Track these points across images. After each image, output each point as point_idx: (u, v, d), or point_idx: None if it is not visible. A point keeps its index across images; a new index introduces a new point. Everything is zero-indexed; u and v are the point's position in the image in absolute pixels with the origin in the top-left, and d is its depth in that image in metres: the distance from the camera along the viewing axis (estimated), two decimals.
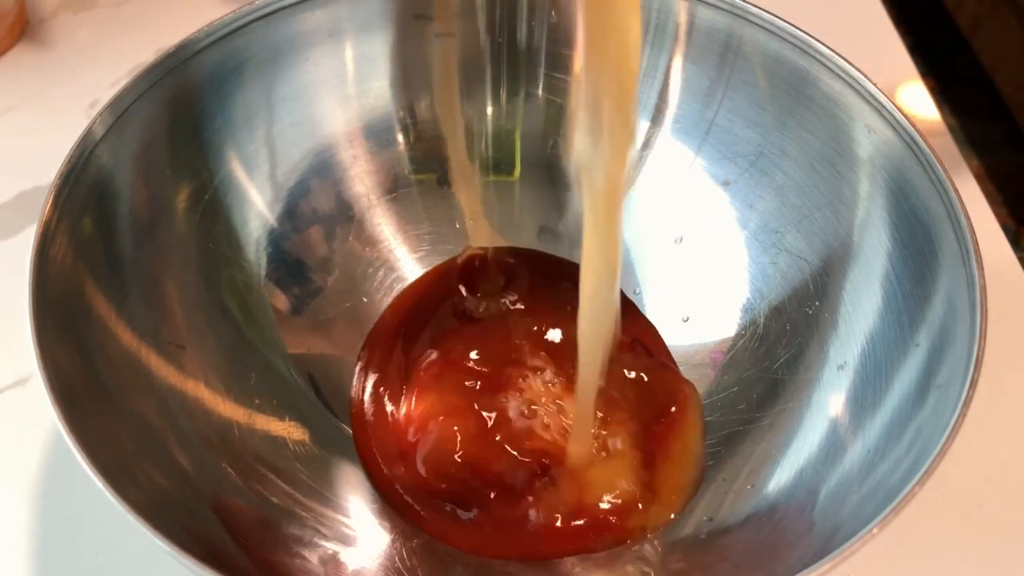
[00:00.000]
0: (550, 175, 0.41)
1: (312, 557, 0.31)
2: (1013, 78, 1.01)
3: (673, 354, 0.38)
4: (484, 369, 0.37)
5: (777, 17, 0.34)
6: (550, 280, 0.40)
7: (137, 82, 0.32)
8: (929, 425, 0.27)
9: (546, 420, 0.36)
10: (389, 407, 0.37)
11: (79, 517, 0.34)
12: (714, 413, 0.36)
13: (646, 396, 0.36)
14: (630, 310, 0.39)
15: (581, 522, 0.34)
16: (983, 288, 0.27)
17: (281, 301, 0.38)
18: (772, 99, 0.36)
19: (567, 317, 0.35)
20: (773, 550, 0.30)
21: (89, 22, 0.52)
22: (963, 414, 0.25)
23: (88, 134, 0.31)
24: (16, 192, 0.44)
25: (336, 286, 0.39)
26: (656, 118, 0.39)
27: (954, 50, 1.09)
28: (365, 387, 0.38)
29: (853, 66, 0.33)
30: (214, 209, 0.36)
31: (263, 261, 0.38)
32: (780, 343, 0.36)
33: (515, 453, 0.35)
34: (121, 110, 0.32)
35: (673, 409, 0.36)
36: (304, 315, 0.38)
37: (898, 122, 0.31)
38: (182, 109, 0.34)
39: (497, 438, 0.35)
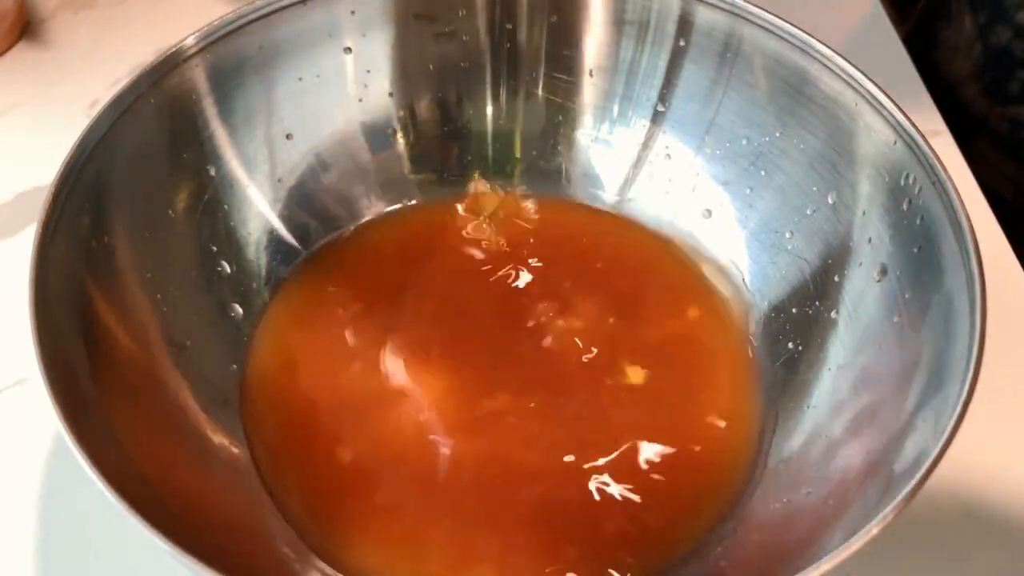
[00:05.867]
0: (550, 175, 0.41)
1: None
2: None
3: None
4: None
5: (777, 17, 0.34)
6: None
7: (137, 82, 0.32)
8: (929, 425, 0.27)
9: None
10: None
11: (79, 517, 0.34)
12: None
13: None
14: None
15: None
16: (983, 288, 0.27)
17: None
18: (772, 99, 0.36)
19: None
20: (772, 551, 0.30)
21: (89, 22, 0.52)
22: (963, 414, 0.25)
23: (88, 134, 0.31)
24: (16, 192, 0.44)
25: None
26: (656, 118, 0.39)
27: None
28: None
29: (853, 66, 0.33)
30: (214, 209, 0.36)
31: (263, 261, 0.38)
32: (780, 343, 0.36)
33: None
34: (121, 110, 0.32)
35: None
36: None
37: (898, 122, 0.31)
38: (182, 109, 0.34)
39: None
